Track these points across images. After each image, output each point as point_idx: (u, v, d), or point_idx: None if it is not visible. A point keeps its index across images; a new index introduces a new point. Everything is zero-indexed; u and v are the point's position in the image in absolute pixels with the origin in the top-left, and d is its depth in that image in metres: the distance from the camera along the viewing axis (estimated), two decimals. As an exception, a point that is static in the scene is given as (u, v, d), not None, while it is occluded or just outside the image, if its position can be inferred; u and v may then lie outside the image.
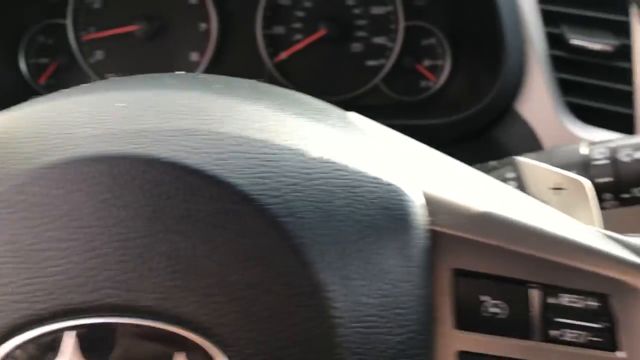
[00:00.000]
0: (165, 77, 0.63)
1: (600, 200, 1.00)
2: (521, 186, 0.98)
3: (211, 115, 0.47)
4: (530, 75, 1.66)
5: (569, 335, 0.45)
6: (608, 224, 0.70)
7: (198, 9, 2.00)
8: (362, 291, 0.40)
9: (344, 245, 0.40)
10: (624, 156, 1.01)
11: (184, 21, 2.00)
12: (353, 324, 0.40)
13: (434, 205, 0.47)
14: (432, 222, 0.46)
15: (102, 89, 0.55)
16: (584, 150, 1.06)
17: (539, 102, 1.63)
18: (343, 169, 0.44)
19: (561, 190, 0.88)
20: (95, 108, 0.48)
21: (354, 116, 0.61)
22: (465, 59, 1.89)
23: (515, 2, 1.59)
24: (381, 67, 2.04)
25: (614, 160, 1.01)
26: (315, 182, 0.42)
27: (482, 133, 1.74)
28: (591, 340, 0.45)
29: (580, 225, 0.53)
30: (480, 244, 0.45)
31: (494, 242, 0.45)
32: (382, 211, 0.43)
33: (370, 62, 2.05)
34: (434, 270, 0.45)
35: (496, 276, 0.45)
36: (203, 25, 2.01)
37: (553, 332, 0.45)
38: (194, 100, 0.50)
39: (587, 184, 0.87)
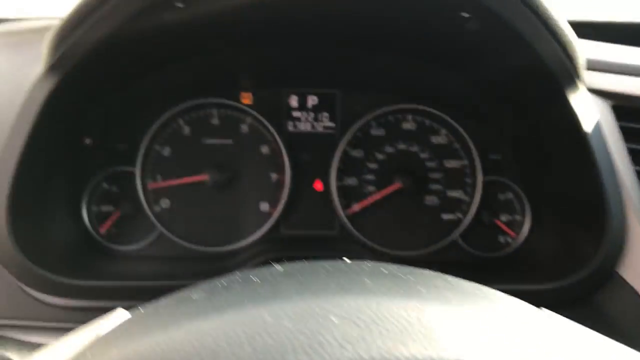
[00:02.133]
0: (354, 269, 0.53)
1: None
2: None
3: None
4: (632, 237, 1.57)
5: None
6: None
7: (271, 159, 1.95)
8: None
9: None
10: None
11: (255, 171, 1.94)
12: None
13: None
14: None
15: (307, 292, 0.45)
16: None
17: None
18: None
19: None
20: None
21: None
22: (551, 217, 1.81)
23: (613, 164, 1.54)
24: (458, 221, 1.96)
25: None
26: None
27: (582, 299, 1.62)
28: None
29: None
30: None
31: None
32: None
33: (447, 216, 1.97)
34: None
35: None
36: (274, 176, 1.94)
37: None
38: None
39: None
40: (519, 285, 1.56)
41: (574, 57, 1.38)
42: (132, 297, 1.42)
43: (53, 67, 1.36)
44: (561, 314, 1.58)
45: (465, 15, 1.33)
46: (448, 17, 1.34)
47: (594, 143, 1.45)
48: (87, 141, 1.73)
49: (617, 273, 1.55)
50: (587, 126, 1.45)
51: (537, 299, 1.62)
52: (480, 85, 1.76)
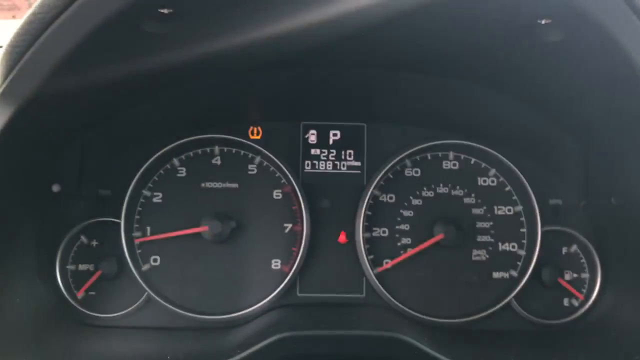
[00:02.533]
0: None
1: None
2: None
3: None
4: None
5: None
6: None
7: (284, 206, 1.62)
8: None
9: None
10: None
11: (265, 221, 1.61)
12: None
13: None
14: None
15: None
16: None
17: None
18: None
19: None
20: None
21: None
22: (630, 275, 1.45)
23: None
24: (513, 280, 1.60)
25: None
26: None
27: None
28: None
29: None
30: None
31: None
32: None
33: (498, 274, 1.61)
34: None
35: None
36: (289, 226, 1.60)
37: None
38: None
39: None
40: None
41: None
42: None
43: (4, 94, 1.03)
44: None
45: (545, 22, 1.00)
46: (524, 26, 1.01)
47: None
48: (55, 188, 1.39)
49: None
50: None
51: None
52: (545, 110, 1.42)
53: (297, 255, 1.58)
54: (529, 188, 1.59)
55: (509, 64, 1.27)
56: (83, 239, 1.59)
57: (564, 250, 1.62)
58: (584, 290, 1.60)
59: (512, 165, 1.60)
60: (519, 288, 1.58)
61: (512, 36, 1.12)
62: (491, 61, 1.27)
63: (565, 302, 1.61)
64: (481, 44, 1.18)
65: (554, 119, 1.50)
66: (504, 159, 1.61)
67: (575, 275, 1.61)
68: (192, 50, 1.05)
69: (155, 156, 1.58)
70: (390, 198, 1.64)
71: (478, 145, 1.62)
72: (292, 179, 1.59)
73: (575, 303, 1.60)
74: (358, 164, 1.65)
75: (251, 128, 1.64)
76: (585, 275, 1.60)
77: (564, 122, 1.48)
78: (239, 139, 1.61)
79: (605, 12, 0.97)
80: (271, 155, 1.60)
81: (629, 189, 1.37)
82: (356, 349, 1.24)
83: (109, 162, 1.59)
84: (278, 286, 1.57)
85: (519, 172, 1.60)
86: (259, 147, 1.60)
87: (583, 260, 1.61)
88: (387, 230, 1.63)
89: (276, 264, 1.60)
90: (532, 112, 1.48)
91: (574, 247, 1.62)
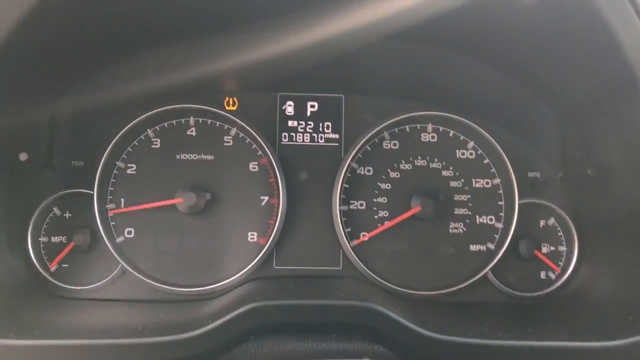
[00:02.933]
0: None
1: None
2: None
3: None
4: None
5: None
6: None
7: (261, 178, 1.59)
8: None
9: None
10: None
11: (241, 193, 1.58)
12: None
13: None
14: None
15: None
16: None
17: None
18: None
19: None
20: None
21: None
22: (606, 249, 1.45)
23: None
24: (490, 253, 1.60)
25: None
26: None
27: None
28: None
29: None
30: None
31: None
32: None
33: (475, 247, 1.60)
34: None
35: None
36: (265, 199, 1.58)
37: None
38: None
39: None
40: (575, 343, 1.18)
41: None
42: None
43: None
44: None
45: None
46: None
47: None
48: (23, 157, 1.35)
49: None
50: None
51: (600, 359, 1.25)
52: (523, 82, 1.40)
53: (273, 228, 1.56)
54: (507, 161, 1.58)
55: (485, 30, 1.25)
56: (56, 210, 1.56)
57: (542, 223, 1.62)
58: (561, 263, 1.59)
59: (490, 137, 1.59)
60: (495, 261, 1.58)
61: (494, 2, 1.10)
62: (467, 27, 1.25)
63: (542, 274, 1.61)
64: (457, 8, 1.16)
65: (533, 91, 1.48)
66: (482, 131, 1.59)
67: (552, 248, 1.61)
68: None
69: (129, 126, 1.55)
70: (368, 171, 1.62)
71: (457, 117, 1.60)
72: (268, 151, 1.57)
73: (552, 276, 1.60)
74: (336, 136, 1.63)
75: (227, 99, 1.61)
76: (563, 248, 1.60)
77: (542, 94, 1.47)
78: (214, 109, 1.58)
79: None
80: (247, 127, 1.57)
81: (604, 160, 1.36)
82: (327, 318, 1.23)
83: (82, 133, 1.56)
84: (254, 259, 1.55)
85: (497, 145, 1.58)
86: (235, 118, 1.57)
87: (560, 233, 1.60)
88: (364, 203, 1.62)
89: (252, 236, 1.58)
90: (511, 84, 1.47)
91: (552, 220, 1.61)
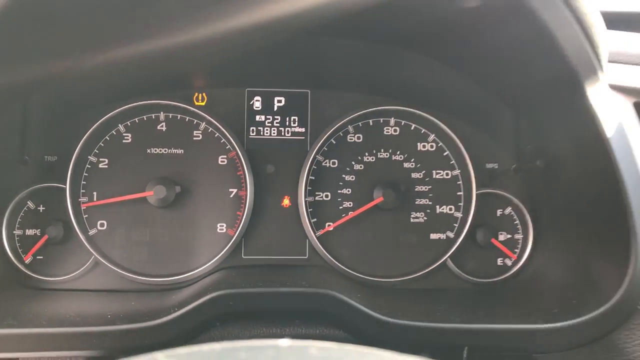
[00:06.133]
0: None
1: None
2: None
3: None
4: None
5: None
6: None
7: (229, 171, 1.65)
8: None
9: None
10: None
11: (210, 186, 1.64)
12: None
13: None
14: None
15: None
16: None
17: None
18: None
19: None
20: None
21: None
22: (559, 237, 1.53)
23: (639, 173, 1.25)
24: (449, 241, 1.67)
25: None
26: None
27: (597, 340, 1.33)
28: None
29: None
30: None
31: None
32: None
33: (435, 235, 1.68)
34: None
35: None
36: (233, 191, 1.63)
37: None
38: None
39: None
40: (521, 325, 1.26)
41: (597, 46, 1.10)
42: (58, 347, 1.20)
43: None
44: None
45: None
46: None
47: (615, 147, 1.16)
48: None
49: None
50: (609, 128, 1.17)
51: (544, 339, 1.33)
52: (479, 78, 1.47)
53: (241, 219, 1.62)
54: (465, 153, 1.65)
55: (434, 30, 1.31)
56: (30, 204, 1.60)
57: (499, 212, 1.69)
58: (517, 250, 1.67)
59: (450, 131, 1.65)
60: (454, 248, 1.65)
61: (433, 1, 1.16)
62: (416, 26, 1.31)
63: (499, 261, 1.68)
64: (408, 7, 1.21)
65: (488, 87, 1.54)
66: (443, 125, 1.66)
67: (509, 236, 1.68)
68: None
69: (100, 122, 1.59)
70: (333, 163, 1.68)
71: (418, 112, 1.66)
72: (236, 145, 1.62)
73: (509, 262, 1.67)
74: (302, 130, 1.68)
75: (196, 94, 1.65)
76: (519, 236, 1.68)
77: (497, 89, 1.53)
78: (183, 105, 1.63)
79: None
80: (216, 122, 1.62)
81: (553, 152, 1.44)
82: (288, 305, 1.30)
83: (54, 128, 1.60)
84: (223, 249, 1.61)
85: (456, 138, 1.65)
86: (204, 114, 1.62)
87: (517, 222, 1.68)
88: (329, 194, 1.68)
89: (221, 227, 1.64)
90: (467, 81, 1.53)
91: (509, 209, 1.69)
